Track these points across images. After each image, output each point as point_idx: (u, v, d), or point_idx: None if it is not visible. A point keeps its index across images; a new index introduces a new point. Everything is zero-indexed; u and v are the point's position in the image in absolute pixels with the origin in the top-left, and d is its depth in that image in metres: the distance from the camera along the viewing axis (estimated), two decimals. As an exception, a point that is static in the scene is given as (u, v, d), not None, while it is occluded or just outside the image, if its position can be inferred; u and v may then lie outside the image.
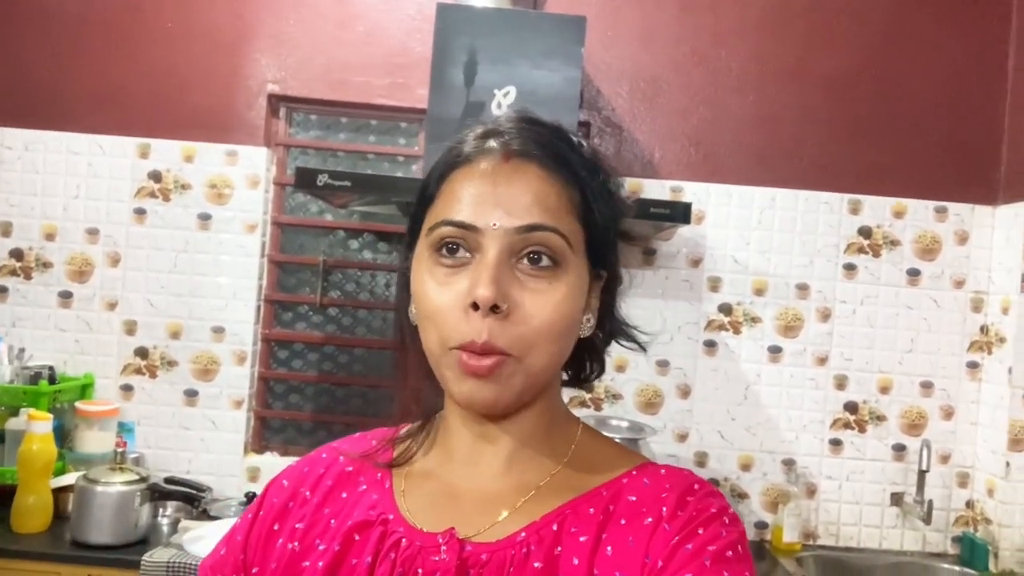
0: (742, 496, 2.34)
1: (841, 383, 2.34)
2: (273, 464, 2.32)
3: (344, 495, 0.73)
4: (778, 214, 2.36)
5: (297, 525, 0.72)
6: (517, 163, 0.67)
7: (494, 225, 0.64)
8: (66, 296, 2.35)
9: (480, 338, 0.63)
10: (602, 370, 0.77)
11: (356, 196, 1.97)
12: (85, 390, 2.30)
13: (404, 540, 0.68)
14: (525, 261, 0.65)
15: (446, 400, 0.73)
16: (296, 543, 0.71)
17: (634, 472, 0.70)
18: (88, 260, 2.35)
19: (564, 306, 0.65)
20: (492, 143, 0.68)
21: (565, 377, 0.76)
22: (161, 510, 2.11)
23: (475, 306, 0.63)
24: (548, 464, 0.71)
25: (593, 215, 0.68)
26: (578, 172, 0.68)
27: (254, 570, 0.72)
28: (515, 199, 0.65)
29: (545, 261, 0.65)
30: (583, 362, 0.76)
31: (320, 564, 0.68)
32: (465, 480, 0.71)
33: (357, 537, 0.69)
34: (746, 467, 2.34)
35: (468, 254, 0.65)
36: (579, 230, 0.67)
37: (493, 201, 0.65)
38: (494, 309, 0.63)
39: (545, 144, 0.68)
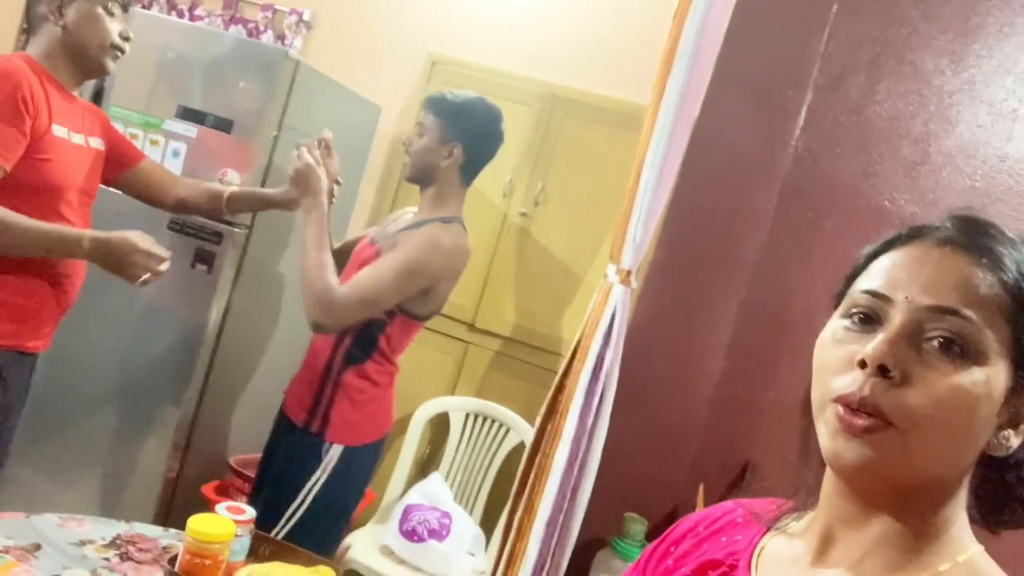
0: None
1: None
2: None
3: (723, 539, 0.79)
4: None
5: (682, 551, 0.81)
6: (949, 250, 0.65)
7: (906, 298, 0.64)
8: None
9: (860, 392, 0.61)
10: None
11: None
12: None
13: None
14: (934, 343, 0.62)
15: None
16: (672, 562, 0.81)
17: None
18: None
19: (965, 395, 0.60)
20: (929, 230, 0.68)
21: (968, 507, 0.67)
22: None
23: (863, 364, 0.62)
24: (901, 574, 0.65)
25: None
26: (1016, 278, 0.63)
27: None
28: (936, 279, 0.63)
29: (955, 348, 0.61)
30: (1008, 496, 0.66)
31: None
32: (813, 562, 0.70)
33: (709, 572, 0.76)
34: None
35: (876, 324, 0.65)
36: (1004, 330, 0.62)
37: (913, 277, 0.64)
38: (883, 370, 0.61)
39: (985, 241, 0.65)
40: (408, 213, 2.03)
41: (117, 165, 1.94)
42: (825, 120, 2.43)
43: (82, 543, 1.34)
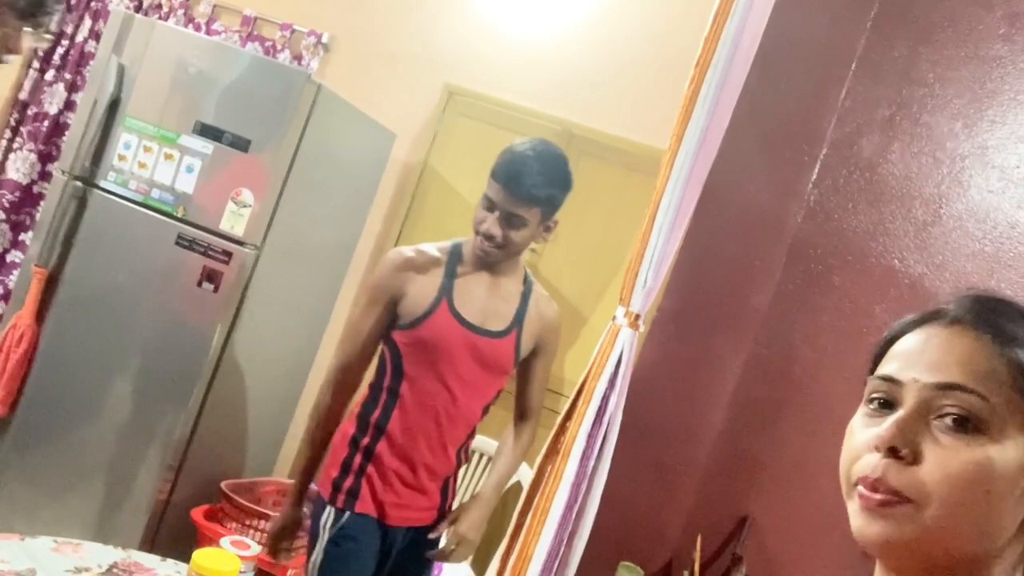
0: None
1: None
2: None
3: None
4: None
5: None
6: (957, 329, 0.67)
7: (914, 379, 0.66)
8: None
9: (874, 474, 0.64)
10: None
11: None
12: None
13: None
14: (947, 420, 0.63)
15: None
16: None
17: None
18: None
19: (977, 471, 0.61)
20: (942, 313, 0.70)
21: None
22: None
23: (879, 447, 0.65)
24: None
25: None
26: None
27: None
28: (941, 358, 0.66)
29: (968, 424, 0.63)
30: None
31: None
32: None
33: None
34: None
35: (892, 408, 0.67)
36: (1018, 403, 0.63)
37: (921, 358, 0.67)
38: (894, 452, 0.64)
39: (993, 318, 0.67)
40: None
41: None
42: (838, 176, 2.45)
43: (77, 570, 1.30)
